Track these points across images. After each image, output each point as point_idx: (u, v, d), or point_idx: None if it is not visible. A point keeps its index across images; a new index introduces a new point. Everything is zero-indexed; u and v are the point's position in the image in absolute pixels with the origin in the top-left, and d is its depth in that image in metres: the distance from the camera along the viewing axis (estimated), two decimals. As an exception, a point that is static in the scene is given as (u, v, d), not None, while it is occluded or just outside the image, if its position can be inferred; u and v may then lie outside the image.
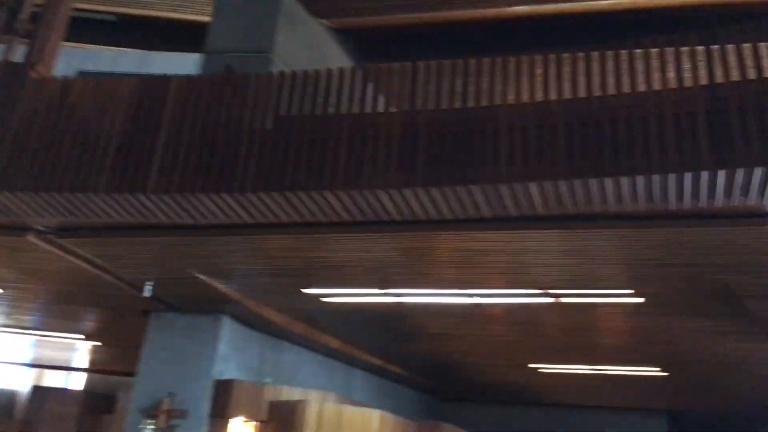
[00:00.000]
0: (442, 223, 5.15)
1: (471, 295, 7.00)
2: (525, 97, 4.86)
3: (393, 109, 5.15)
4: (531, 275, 6.29)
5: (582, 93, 4.74)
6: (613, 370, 10.21)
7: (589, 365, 10.08)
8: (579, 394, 12.44)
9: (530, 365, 10.39)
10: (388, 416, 8.24)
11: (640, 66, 4.70)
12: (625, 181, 4.37)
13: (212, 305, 7.75)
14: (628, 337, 8.62)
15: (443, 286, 6.89)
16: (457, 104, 4.97)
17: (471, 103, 4.96)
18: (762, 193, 4.35)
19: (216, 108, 5.34)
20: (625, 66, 4.74)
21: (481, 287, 6.74)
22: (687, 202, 4.49)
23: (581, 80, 4.79)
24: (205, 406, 7.55)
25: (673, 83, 4.57)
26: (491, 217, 4.93)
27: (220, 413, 7.55)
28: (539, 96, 4.83)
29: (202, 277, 6.85)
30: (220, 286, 7.12)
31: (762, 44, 4.58)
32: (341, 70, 5.33)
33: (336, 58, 8.34)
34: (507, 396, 13.22)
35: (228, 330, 8.00)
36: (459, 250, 5.81)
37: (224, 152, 5.15)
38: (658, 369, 9.86)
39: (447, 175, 4.66)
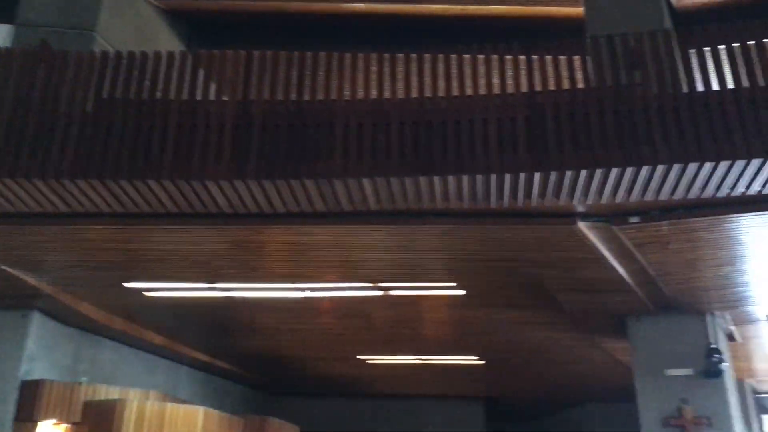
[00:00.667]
0: (274, 216, 5.08)
1: (302, 289, 6.99)
2: (360, 94, 4.92)
3: (225, 98, 5.00)
4: (361, 269, 6.39)
5: (415, 93, 4.89)
6: (437, 360, 10.65)
7: (415, 356, 10.44)
8: (405, 383, 12.85)
9: (359, 357, 10.58)
10: (213, 412, 8.02)
11: (468, 71, 4.92)
12: (452, 180, 4.56)
13: (20, 300, 7.12)
14: (451, 328, 9.03)
15: (274, 280, 6.82)
16: (293, 96, 4.93)
17: (306, 96, 4.94)
18: (572, 195, 4.73)
19: (28, 86, 4.90)
20: (454, 70, 4.95)
21: (312, 281, 6.75)
22: (506, 201, 4.78)
23: (414, 80, 4.93)
24: (9, 410, 6.95)
25: (497, 89, 4.84)
26: (324, 211, 4.95)
27: (27, 416, 7.01)
28: (374, 93, 4.91)
29: (9, 269, 6.27)
30: (31, 279, 6.56)
31: (576, 57, 4.97)
32: (171, 54, 5.09)
33: (167, 41, 7.94)
34: (337, 388, 13.39)
35: (38, 327, 7.41)
36: (291, 243, 5.78)
37: (37, 135, 4.73)
38: (477, 358, 10.41)
39: (281, 168, 4.61)
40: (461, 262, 6.14)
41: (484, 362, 10.60)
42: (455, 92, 4.87)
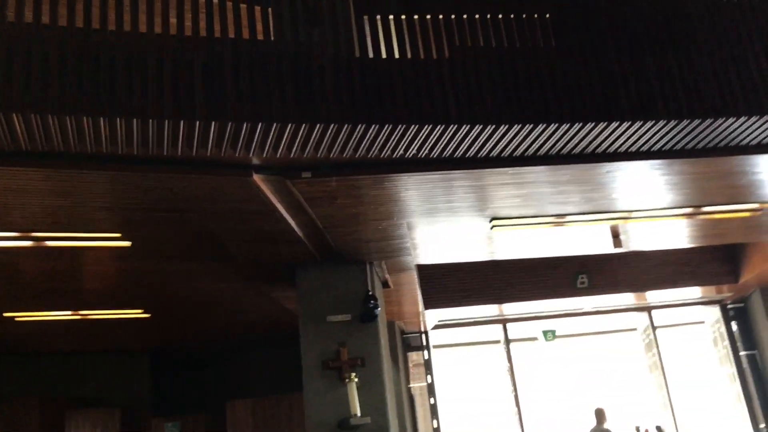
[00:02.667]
0: None
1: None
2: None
3: None
4: (10, 217, 5.63)
5: (80, 24, 4.36)
6: (99, 315, 10.01)
7: (74, 311, 9.67)
8: (61, 341, 11.88)
9: (5, 314, 9.45)
10: None
11: (143, 5, 4.54)
12: (120, 123, 4.20)
13: None
14: (115, 281, 8.52)
15: None
16: None
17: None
18: (249, 148, 4.70)
19: None
20: (127, 2, 4.53)
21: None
22: (181, 150, 4.57)
23: (80, 8, 4.39)
24: None
25: (174, 30, 4.56)
26: (-39, 149, 4.21)
27: None
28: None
29: None
30: None
31: (257, 7, 4.89)
32: None
33: None
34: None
35: None
36: None
37: None
38: (142, 311, 10.03)
39: None
40: (128, 212, 5.77)
41: (149, 315, 10.25)
42: (127, 28, 4.47)
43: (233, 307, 10.16)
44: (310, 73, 4.68)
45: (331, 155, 4.99)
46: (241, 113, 4.41)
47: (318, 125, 4.59)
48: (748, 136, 5.60)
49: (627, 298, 11.72)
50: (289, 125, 4.54)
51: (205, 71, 4.44)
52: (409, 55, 5.04)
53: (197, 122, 4.34)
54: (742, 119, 5.32)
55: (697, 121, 5.25)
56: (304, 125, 4.57)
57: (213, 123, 4.37)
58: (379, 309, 7.20)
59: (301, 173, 5.29)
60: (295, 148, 4.84)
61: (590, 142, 5.38)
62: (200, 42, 4.54)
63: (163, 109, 4.25)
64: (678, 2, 5.65)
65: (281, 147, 4.77)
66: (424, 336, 11.83)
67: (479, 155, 5.36)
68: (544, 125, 5.03)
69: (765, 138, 5.68)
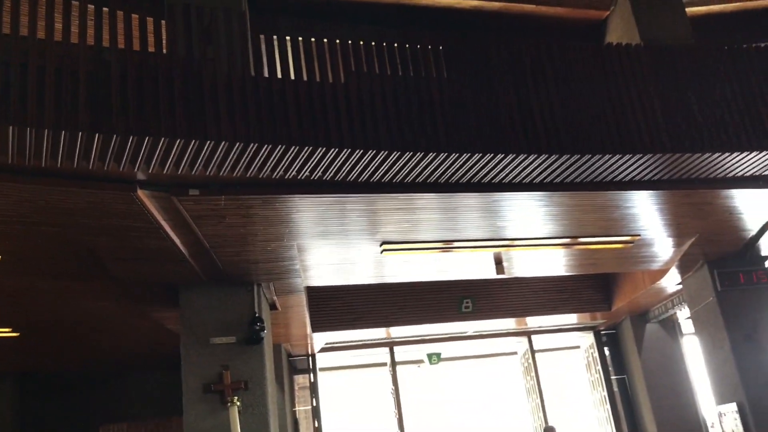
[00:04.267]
0: None
1: None
2: None
3: None
4: None
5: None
6: (-41, 334, 9.28)
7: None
8: None
9: None
10: None
11: (25, 7, 4.32)
12: (-6, 131, 3.96)
13: None
14: (-19, 298, 7.94)
15: None
16: None
17: None
18: (134, 162, 4.54)
19: None
20: (8, 3, 4.29)
21: None
22: (61, 161, 4.36)
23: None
24: None
25: (59, 35, 4.35)
26: None
27: None
28: None
29: None
30: None
31: (150, 18, 4.76)
32: None
33: None
34: None
35: None
36: None
37: None
38: (9, 330, 9.39)
39: None
40: (-1, 225, 5.41)
41: (18, 334, 9.59)
42: (6, 30, 4.23)
43: (111, 327, 9.68)
44: (202, 89, 4.59)
45: (221, 173, 4.90)
46: (126, 126, 4.26)
47: (208, 142, 4.51)
48: (622, 172, 5.98)
49: (508, 323, 12.11)
50: (178, 141, 4.43)
51: (90, 81, 4.26)
52: (304, 77, 5.05)
53: (80, 133, 4.15)
54: (617, 156, 5.67)
55: (576, 156, 5.55)
56: (193, 142, 4.47)
57: (96, 135, 4.19)
58: (266, 331, 7.09)
59: (189, 190, 5.16)
60: (183, 165, 4.72)
61: (478, 172, 5.57)
62: (87, 50, 4.36)
63: (43, 118, 4.04)
64: (564, 43, 5.98)
65: (168, 163, 4.64)
66: (310, 359, 11.74)
67: (372, 180, 5.42)
68: (435, 154, 5.16)
69: (637, 175, 6.08)
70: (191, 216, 5.52)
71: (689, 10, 8.22)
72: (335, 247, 6.95)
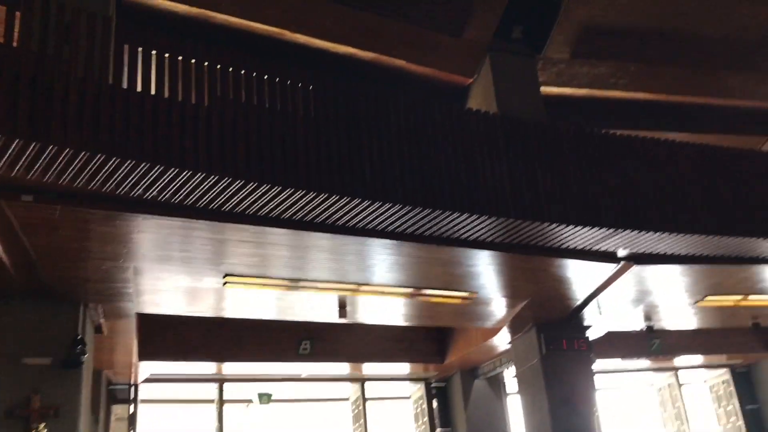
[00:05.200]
0: None
1: None
2: None
3: None
4: None
5: None
6: None
7: None
8: None
9: None
10: None
11: None
12: None
13: None
14: None
15: None
16: None
17: None
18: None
19: None
20: None
21: None
22: None
23: None
24: None
25: None
26: None
27: None
28: None
29: None
30: None
31: (3, 6, 4.42)
32: None
33: None
34: None
35: None
36: None
37: None
38: None
39: None
40: None
41: None
42: None
43: None
44: (52, 89, 4.28)
45: (61, 182, 4.57)
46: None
47: (51, 147, 4.20)
48: (468, 231, 6.24)
49: (344, 368, 12.10)
50: (16, 141, 4.08)
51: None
52: (166, 94, 4.86)
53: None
54: (465, 215, 5.92)
55: (428, 210, 5.73)
56: (33, 144, 4.14)
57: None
58: (87, 355, 6.59)
59: (22, 196, 4.76)
60: (18, 167, 4.35)
61: (333, 214, 5.59)
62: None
63: None
64: (423, 102, 6.22)
65: (2, 163, 4.26)
66: (133, 389, 11.04)
67: (223, 208, 5.28)
68: (292, 189, 5.12)
69: (481, 235, 6.37)
70: (20, 223, 5.08)
71: (544, 89, 8.88)
72: (175, 274, 6.65)
